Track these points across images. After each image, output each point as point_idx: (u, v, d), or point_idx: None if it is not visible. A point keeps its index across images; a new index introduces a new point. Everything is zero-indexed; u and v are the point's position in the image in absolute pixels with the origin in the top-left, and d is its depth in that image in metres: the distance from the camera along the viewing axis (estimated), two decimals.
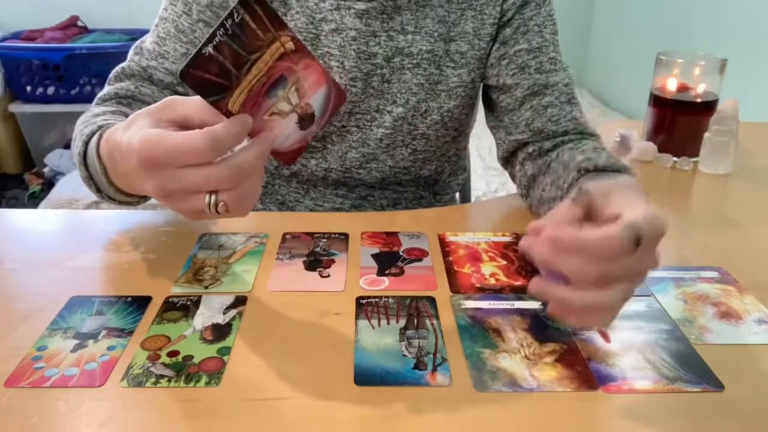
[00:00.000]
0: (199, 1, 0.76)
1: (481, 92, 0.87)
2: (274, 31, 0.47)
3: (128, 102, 0.75)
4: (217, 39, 0.45)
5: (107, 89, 0.76)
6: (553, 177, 0.68)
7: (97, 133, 0.60)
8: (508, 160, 0.83)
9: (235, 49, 0.46)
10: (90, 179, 0.63)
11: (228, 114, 0.48)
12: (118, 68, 0.78)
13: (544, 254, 0.44)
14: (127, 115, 0.71)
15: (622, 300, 0.45)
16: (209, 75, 0.46)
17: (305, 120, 0.51)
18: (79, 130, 0.65)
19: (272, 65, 0.48)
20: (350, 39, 0.76)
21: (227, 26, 0.45)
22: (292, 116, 0.51)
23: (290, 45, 0.48)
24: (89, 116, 0.68)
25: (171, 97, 0.50)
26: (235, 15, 0.45)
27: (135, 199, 0.64)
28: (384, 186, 0.87)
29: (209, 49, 0.45)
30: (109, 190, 0.61)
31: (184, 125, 0.49)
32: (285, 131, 0.51)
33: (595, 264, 0.43)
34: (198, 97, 0.48)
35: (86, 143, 0.62)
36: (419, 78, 0.78)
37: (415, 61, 0.78)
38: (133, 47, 0.79)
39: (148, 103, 0.75)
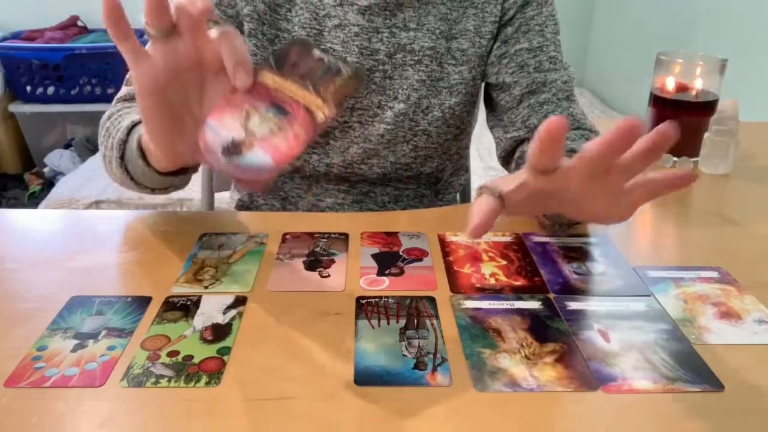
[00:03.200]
0: None
1: (482, 91, 0.87)
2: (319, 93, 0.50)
3: None
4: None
5: (126, 90, 0.75)
6: None
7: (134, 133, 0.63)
8: (507, 159, 0.84)
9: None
10: (126, 172, 0.66)
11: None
12: None
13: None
14: None
15: None
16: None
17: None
18: (110, 136, 0.67)
19: (293, 98, 0.49)
20: (353, 35, 0.76)
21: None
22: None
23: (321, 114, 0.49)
24: (115, 117, 0.70)
25: None
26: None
27: (171, 181, 0.67)
28: (385, 183, 0.87)
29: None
30: (147, 172, 0.63)
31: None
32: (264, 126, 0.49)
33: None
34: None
35: (122, 144, 0.65)
36: (421, 74, 0.79)
37: (417, 58, 0.78)
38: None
39: None
